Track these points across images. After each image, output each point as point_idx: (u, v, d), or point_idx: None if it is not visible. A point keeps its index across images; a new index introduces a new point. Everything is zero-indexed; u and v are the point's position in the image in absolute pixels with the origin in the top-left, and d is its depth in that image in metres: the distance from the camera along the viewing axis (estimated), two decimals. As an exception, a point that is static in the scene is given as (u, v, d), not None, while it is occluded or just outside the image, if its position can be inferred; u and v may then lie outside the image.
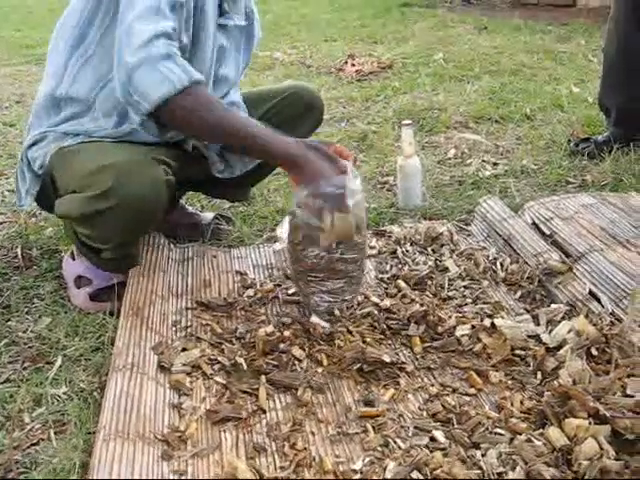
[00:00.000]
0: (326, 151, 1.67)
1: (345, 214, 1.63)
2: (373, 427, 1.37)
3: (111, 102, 1.75)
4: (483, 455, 1.28)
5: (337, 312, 1.71)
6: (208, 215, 2.31)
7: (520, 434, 1.33)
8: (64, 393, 1.55)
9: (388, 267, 1.97)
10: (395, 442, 1.32)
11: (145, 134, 1.73)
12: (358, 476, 1.25)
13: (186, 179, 1.99)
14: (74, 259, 1.94)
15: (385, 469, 1.25)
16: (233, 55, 1.92)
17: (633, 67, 2.74)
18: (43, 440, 1.42)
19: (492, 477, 1.23)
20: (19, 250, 2.18)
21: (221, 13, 1.83)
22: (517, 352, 1.59)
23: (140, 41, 1.54)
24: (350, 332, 1.65)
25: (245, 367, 1.54)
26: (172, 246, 2.07)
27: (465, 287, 1.86)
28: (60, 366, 1.64)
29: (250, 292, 1.86)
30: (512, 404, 1.43)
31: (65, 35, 1.78)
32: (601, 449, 1.27)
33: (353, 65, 4.51)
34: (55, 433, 1.44)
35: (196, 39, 1.74)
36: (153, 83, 1.55)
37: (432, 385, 1.50)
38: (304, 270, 1.70)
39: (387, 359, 1.54)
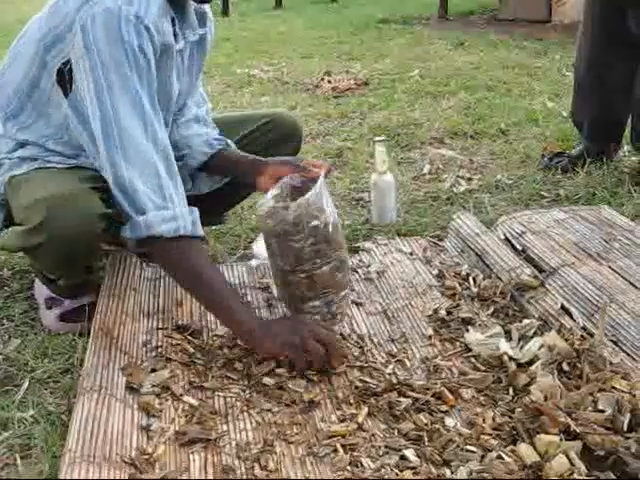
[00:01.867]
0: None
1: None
2: (343, 446, 1.35)
3: (60, 148, 1.74)
4: (453, 473, 1.27)
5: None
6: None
7: (491, 451, 1.32)
8: (31, 416, 1.52)
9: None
10: (365, 462, 1.31)
11: None
12: (328, 497, 1.24)
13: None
14: (45, 279, 1.92)
15: (355, 489, 1.24)
16: (186, 67, 1.86)
17: (603, 80, 2.77)
18: (8, 465, 1.39)
19: (462, 495, 1.22)
20: (-11, 271, 2.16)
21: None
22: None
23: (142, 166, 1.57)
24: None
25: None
26: (144, 265, 2.05)
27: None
28: (27, 389, 1.61)
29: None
30: (484, 420, 1.42)
31: (2, 99, 1.76)
32: (572, 465, 1.27)
33: (329, 82, 4.52)
34: (21, 457, 1.41)
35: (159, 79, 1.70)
36: (162, 218, 1.58)
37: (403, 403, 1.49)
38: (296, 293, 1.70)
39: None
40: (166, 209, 1.59)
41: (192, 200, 1.97)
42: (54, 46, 1.64)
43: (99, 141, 1.59)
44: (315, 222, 1.63)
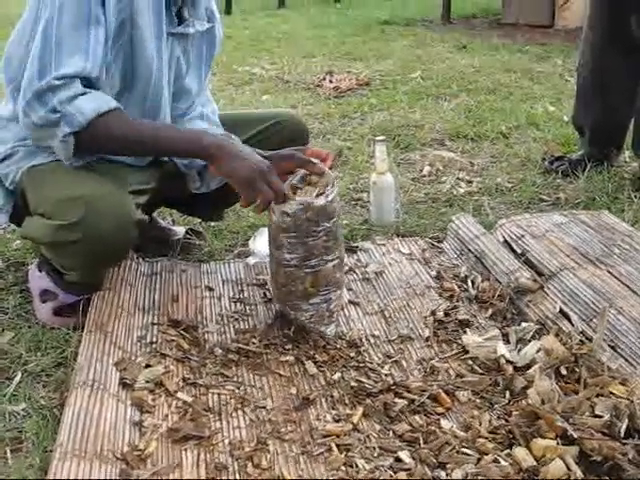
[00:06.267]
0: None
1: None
2: (338, 446, 1.34)
3: None
4: (448, 475, 1.25)
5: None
6: (180, 230, 2.28)
7: (487, 454, 1.31)
8: (23, 410, 1.50)
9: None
10: (359, 462, 1.29)
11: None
12: (321, 497, 1.23)
13: (162, 197, 1.98)
14: (40, 272, 1.90)
15: (348, 490, 1.23)
16: (195, 64, 1.86)
17: (605, 85, 2.76)
18: (-1, 458, 1.38)
19: (457, 498, 1.21)
20: (-16, 263, 2.14)
21: (180, 21, 1.78)
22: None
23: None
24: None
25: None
26: (141, 260, 2.03)
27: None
28: (20, 382, 1.59)
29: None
30: (480, 424, 1.41)
31: (10, 71, 1.74)
32: (569, 470, 1.26)
33: (331, 81, 4.51)
34: (11, 451, 1.39)
35: (134, 54, 1.69)
36: (87, 100, 1.58)
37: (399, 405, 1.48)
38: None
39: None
40: (84, 93, 1.59)
41: (199, 197, 1.97)
42: None
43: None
44: (331, 222, 1.63)
